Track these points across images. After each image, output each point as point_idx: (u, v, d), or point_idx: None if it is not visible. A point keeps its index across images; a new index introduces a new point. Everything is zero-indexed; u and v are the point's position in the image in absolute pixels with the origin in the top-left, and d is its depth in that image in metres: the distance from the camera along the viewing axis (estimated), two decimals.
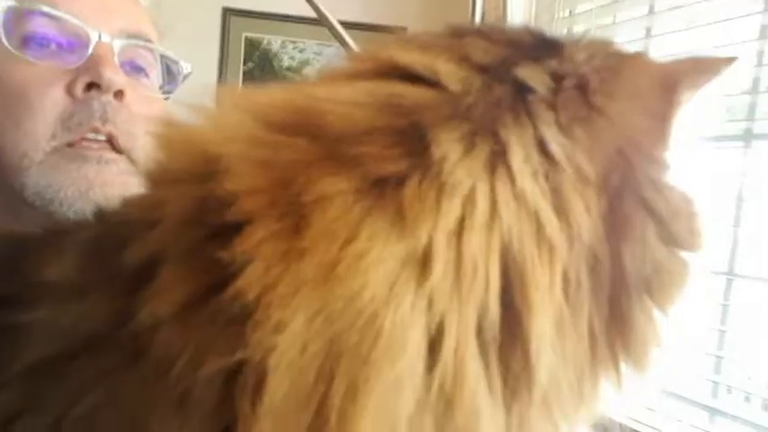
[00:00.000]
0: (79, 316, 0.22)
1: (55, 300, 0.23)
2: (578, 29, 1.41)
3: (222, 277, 0.20)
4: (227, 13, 1.89)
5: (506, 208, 0.23)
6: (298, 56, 1.94)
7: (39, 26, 0.50)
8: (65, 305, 0.23)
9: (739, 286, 1.10)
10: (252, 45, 1.93)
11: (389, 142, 0.22)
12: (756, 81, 1.12)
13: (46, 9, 0.50)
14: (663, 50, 1.25)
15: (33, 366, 0.22)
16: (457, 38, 0.27)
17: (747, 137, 1.12)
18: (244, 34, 1.92)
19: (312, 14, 0.98)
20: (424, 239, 0.21)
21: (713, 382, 1.11)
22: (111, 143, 0.51)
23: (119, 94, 0.51)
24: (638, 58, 0.29)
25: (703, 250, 0.26)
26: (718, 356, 1.11)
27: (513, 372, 0.22)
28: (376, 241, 0.20)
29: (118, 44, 0.52)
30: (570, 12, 1.42)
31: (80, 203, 0.49)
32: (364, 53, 0.29)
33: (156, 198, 0.22)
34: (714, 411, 1.10)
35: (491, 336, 0.22)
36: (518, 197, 0.23)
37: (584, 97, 0.26)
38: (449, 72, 0.25)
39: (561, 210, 0.24)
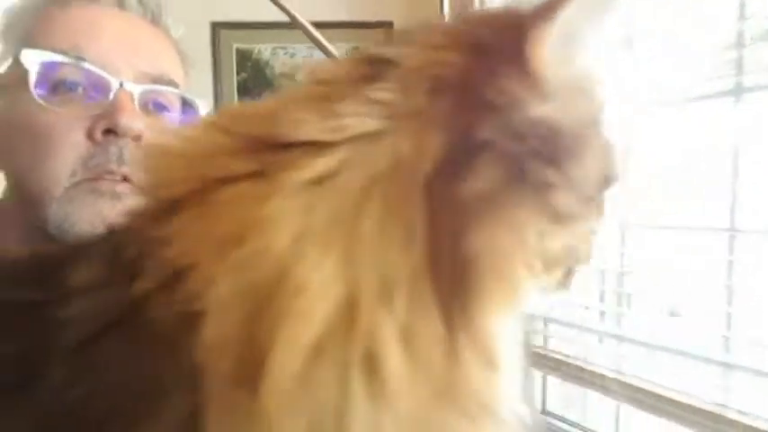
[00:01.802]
0: (103, 306, 0.28)
1: (86, 296, 0.29)
2: None
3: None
4: (216, 27, 1.93)
5: None
6: (289, 61, 1.97)
7: (68, 74, 0.56)
8: (93, 299, 0.28)
9: (742, 241, 1.11)
10: (243, 56, 1.96)
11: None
12: (741, 35, 1.12)
13: (75, 60, 0.56)
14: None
15: (74, 348, 0.28)
16: None
17: (738, 91, 1.12)
18: (234, 46, 1.96)
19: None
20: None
21: (724, 337, 1.12)
22: (127, 180, 0.56)
23: (137, 137, 0.56)
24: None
25: None
26: (727, 312, 1.12)
27: None
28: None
29: (138, 90, 0.57)
30: None
31: None
32: None
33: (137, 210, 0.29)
34: (727, 366, 1.11)
35: None
36: None
37: None
38: None
39: None
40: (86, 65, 0.56)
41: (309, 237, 0.25)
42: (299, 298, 0.24)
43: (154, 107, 0.60)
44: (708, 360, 1.08)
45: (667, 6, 1.20)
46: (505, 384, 0.27)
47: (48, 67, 0.56)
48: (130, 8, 0.62)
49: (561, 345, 1.37)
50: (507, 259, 0.26)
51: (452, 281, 0.25)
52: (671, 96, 1.10)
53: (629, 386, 1.15)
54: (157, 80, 0.60)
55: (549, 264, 0.28)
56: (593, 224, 0.31)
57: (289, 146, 0.27)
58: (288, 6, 0.96)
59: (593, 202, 0.30)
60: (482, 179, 0.26)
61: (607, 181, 0.30)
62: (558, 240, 0.28)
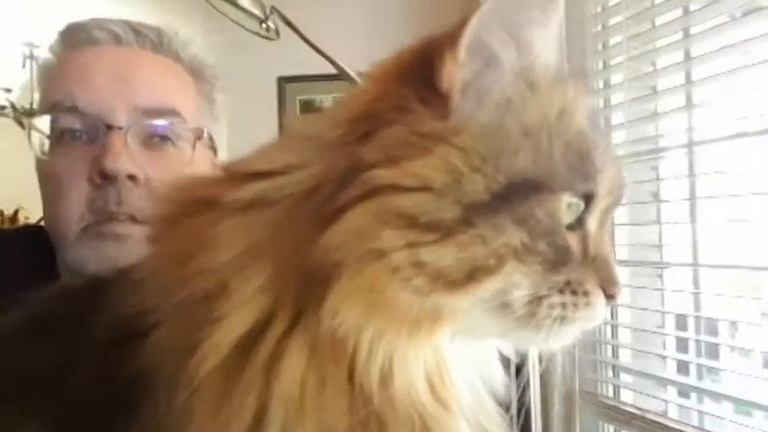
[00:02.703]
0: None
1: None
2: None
3: None
4: (282, 81, 2.05)
5: None
6: None
7: (68, 122, 0.58)
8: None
9: None
10: (306, 106, 2.06)
11: None
12: None
13: (68, 110, 0.57)
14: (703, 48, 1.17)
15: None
16: None
17: None
18: (298, 98, 2.06)
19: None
20: None
21: None
22: (132, 218, 0.56)
23: (130, 177, 0.56)
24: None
25: None
26: None
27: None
28: None
29: (129, 128, 0.56)
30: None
31: None
32: None
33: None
34: None
35: None
36: None
37: None
38: None
39: None
40: (79, 111, 0.56)
41: (250, 252, 0.27)
42: (227, 304, 0.27)
43: (161, 141, 0.59)
44: None
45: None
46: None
47: (51, 124, 0.58)
48: (128, 43, 0.61)
49: (638, 398, 1.26)
50: (353, 256, 0.27)
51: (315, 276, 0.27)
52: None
53: None
54: (154, 112, 0.58)
55: (437, 278, 0.27)
56: (509, 240, 0.28)
57: (248, 176, 0.30)
58: (338, 61, 1.02)
59: (493, 214, 0.28)
60: (347, 194, 0.27)
61: (534, 191, 0.28)
62: (437, 254, 0.27)
